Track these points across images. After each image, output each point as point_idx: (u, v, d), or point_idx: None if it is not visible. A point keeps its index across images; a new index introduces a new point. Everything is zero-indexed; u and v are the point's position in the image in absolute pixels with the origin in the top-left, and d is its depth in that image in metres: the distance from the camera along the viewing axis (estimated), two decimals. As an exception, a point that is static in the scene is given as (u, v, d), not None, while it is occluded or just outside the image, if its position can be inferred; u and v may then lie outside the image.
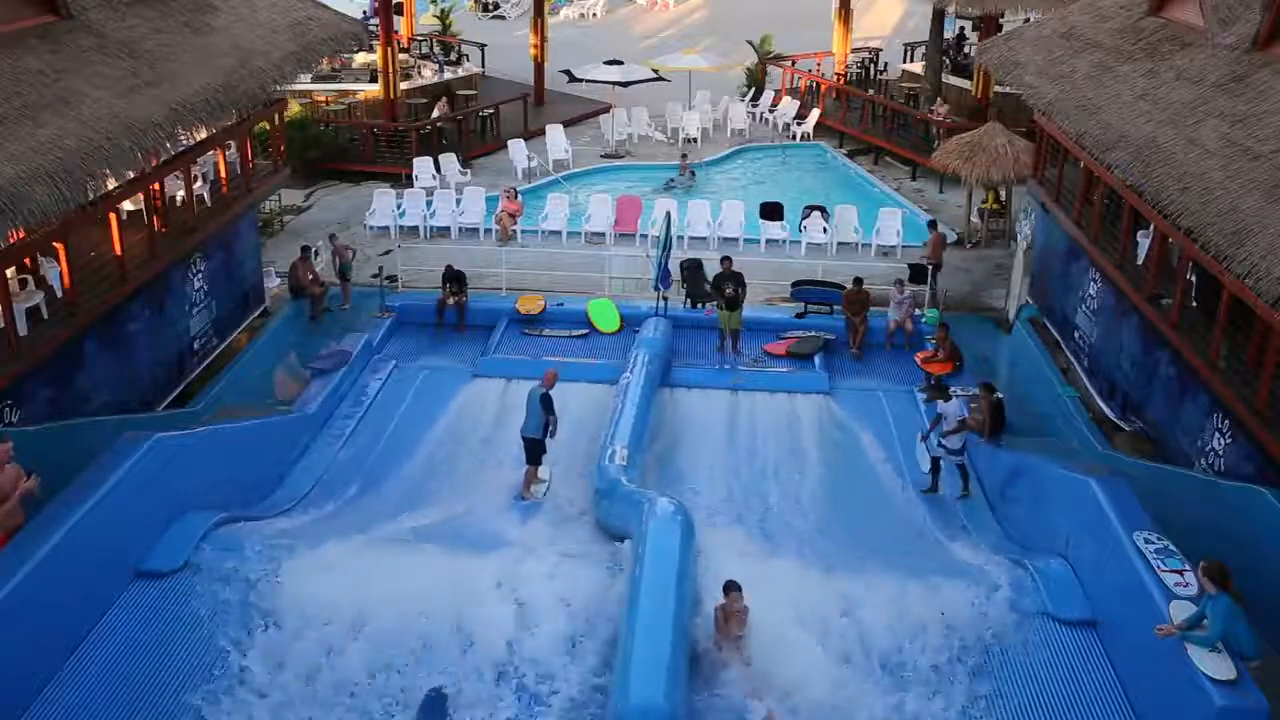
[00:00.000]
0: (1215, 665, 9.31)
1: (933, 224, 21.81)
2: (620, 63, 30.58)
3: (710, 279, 19.09)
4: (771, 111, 32.21)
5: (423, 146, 26.86)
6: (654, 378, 16.87)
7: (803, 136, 30.54)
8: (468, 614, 11.10)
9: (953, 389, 16.79)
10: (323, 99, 28.72)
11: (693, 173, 27.00)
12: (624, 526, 12.43)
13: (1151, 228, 15.02)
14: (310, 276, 19.32)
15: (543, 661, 10.73)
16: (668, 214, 20.18)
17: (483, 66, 35.50)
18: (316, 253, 20.49)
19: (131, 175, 14.14)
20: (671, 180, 26.61)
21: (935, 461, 14.76)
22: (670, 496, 12.65)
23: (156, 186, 15.86)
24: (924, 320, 19.15)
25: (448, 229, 23.32)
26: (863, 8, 40.39)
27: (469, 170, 26.85)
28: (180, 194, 16.83)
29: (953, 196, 25.68)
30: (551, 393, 14.32)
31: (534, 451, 14.36)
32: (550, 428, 14.25)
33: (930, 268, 20.34)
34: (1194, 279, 14.25)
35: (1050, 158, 19.05)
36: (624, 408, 15.60)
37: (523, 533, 12.94)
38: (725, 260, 18.55)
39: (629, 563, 11.41)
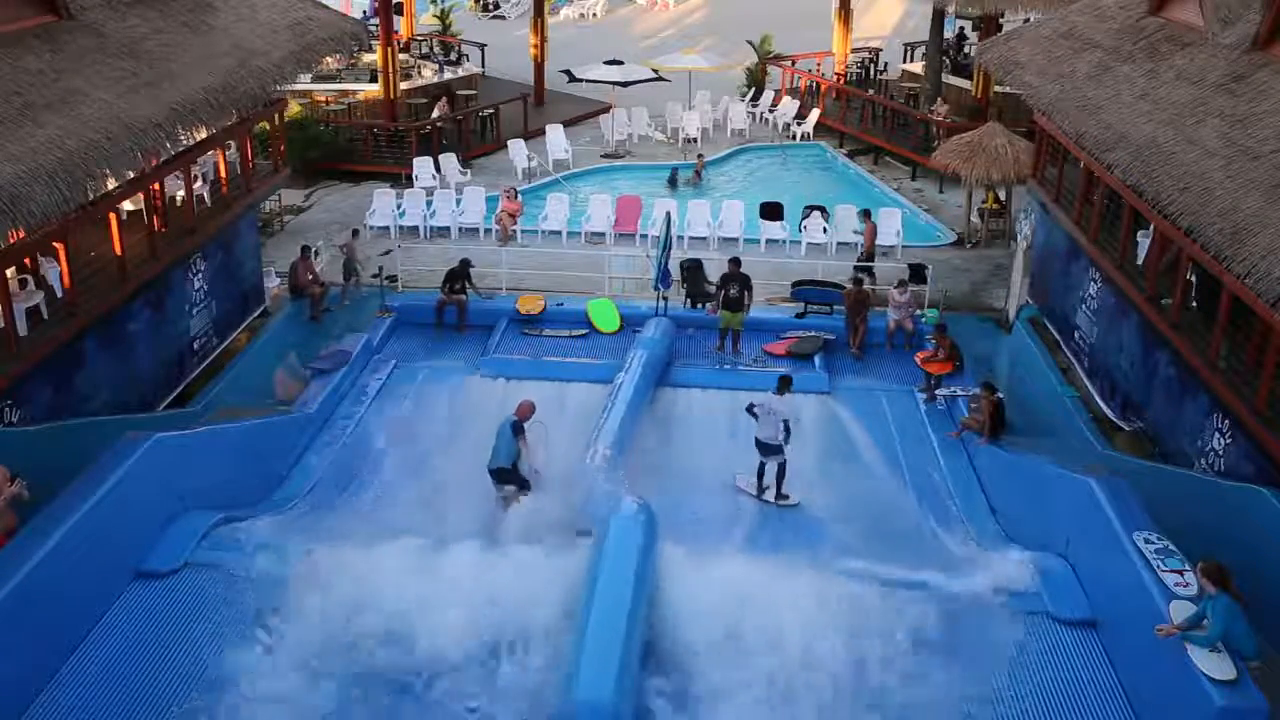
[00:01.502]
0: (1215, 665, 9.31)
1: (865, 213, 21.65)
2: (620, 63, 30.58)
3: (715, 279, 19.04)
4: (771, 111, 32.22)
5: (423, 146, 26.87)
6: (649, 378, 16.88)
7: (803, 136, 30.55)
8: (461, 610, 11.10)
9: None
10: (323, 99, 28.73)
11: (697, 173, 27.11)
12: (591, 524, 12.47)
13: (1151, 228, 15.02)
14: (310, 276, 19.31)
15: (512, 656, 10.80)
16: (668, 214, 20.18)
17: (483, 66, 35.53)
18: (317, 252, 20.49)
19: (131, 175, 14.13)
20: (675, 172, 26.72)
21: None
22: (635, 495, 12.61)
23: (156, 186, 15.85)
24: (924, 320, 19.16)
25: (448, 229, 23.33)
26: (863, 8, 40.40)
27: (469, 170, 26.86)
28: (180, 194, 16.83)
29: (953, 196, 25.69)
30: (520, 422, 13.58)
31: (506, 481, 13.58)
32: (520, 459, 13.48)
33: (867, 261, 20.47)
34: (1194, 279, 14.25)
35: (1050, 158, 19.05)
36: (614, 407, 15.62)
37: (514, 532, 12.96)
38: (732, 262, 18.49)
39: (590, 559, 11.40)
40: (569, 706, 9.65)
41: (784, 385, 14.64)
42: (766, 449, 14.37)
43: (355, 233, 20.79)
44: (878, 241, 22.60)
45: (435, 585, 11.33)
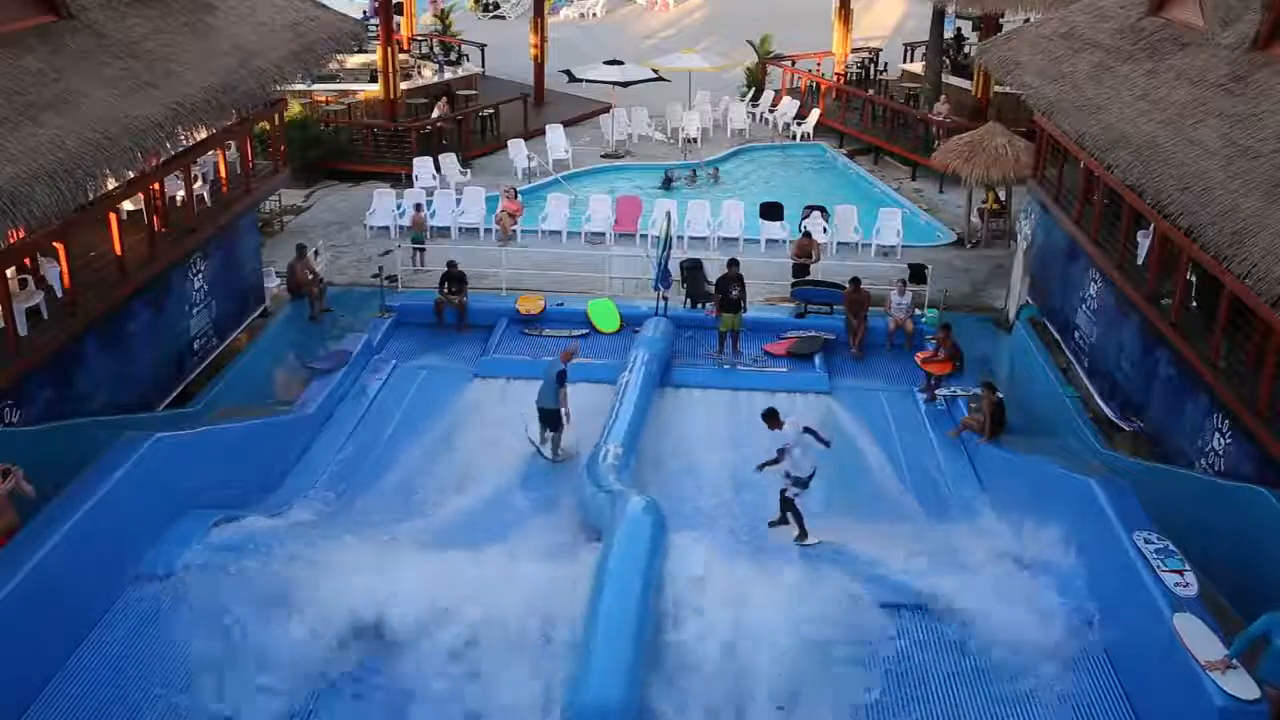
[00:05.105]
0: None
1: (807, 233, 21.49)
2: (620, 63, 30.59)
3: (714, 281, 19.03)
4: (771, 111, 32.22)
5: (423, 146, 26.87)
6: (652, 378, 16.88)
7: (803, 136, 30.55)
8: (460, 612, 11.06)
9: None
10: (323, 99, 28.74)
11: (694, 172, 27.15)
12: (600, 524, 12.45)
13: (1151, 228, 15.02)
14: (309, 276, 19.31)
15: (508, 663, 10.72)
16: (668, 214, 20.20)
17: (483, 66, 35.52)
18: (316, 253, 20.50)
19: (131, 175, 14.13)
20: (679, 173, 26.85)
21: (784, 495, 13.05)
22: (643, 495, 12.58)
23: (156, 186, 15.84)
24: (924, 320, 19.15)
25: (448, 229, 23.33)
26: (863, 8, 40.37)
27: (469, 170, 26.87)
28: (180, 194, 16.83)
29: (953, 196, 25.68)
30: (566, 369, 15.26)
31: (548, 420, 15.25)
32: (562, 404, 15.04)
33: (801, 267, 20.47)
34: (1194, 279, 14.25)
35: (1050, 158, 19.05)
36: (620, 407, 15.61)
37: (513, 532, 12.95)
38: (731, 263, 18.49)
39: (597, 559, 11.36)
40: (578, 707, 9.60)
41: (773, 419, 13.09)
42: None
43: (419, 206, 21.75)
44: (879, 242, 22.69)
45: (439, 584, 11.32)
